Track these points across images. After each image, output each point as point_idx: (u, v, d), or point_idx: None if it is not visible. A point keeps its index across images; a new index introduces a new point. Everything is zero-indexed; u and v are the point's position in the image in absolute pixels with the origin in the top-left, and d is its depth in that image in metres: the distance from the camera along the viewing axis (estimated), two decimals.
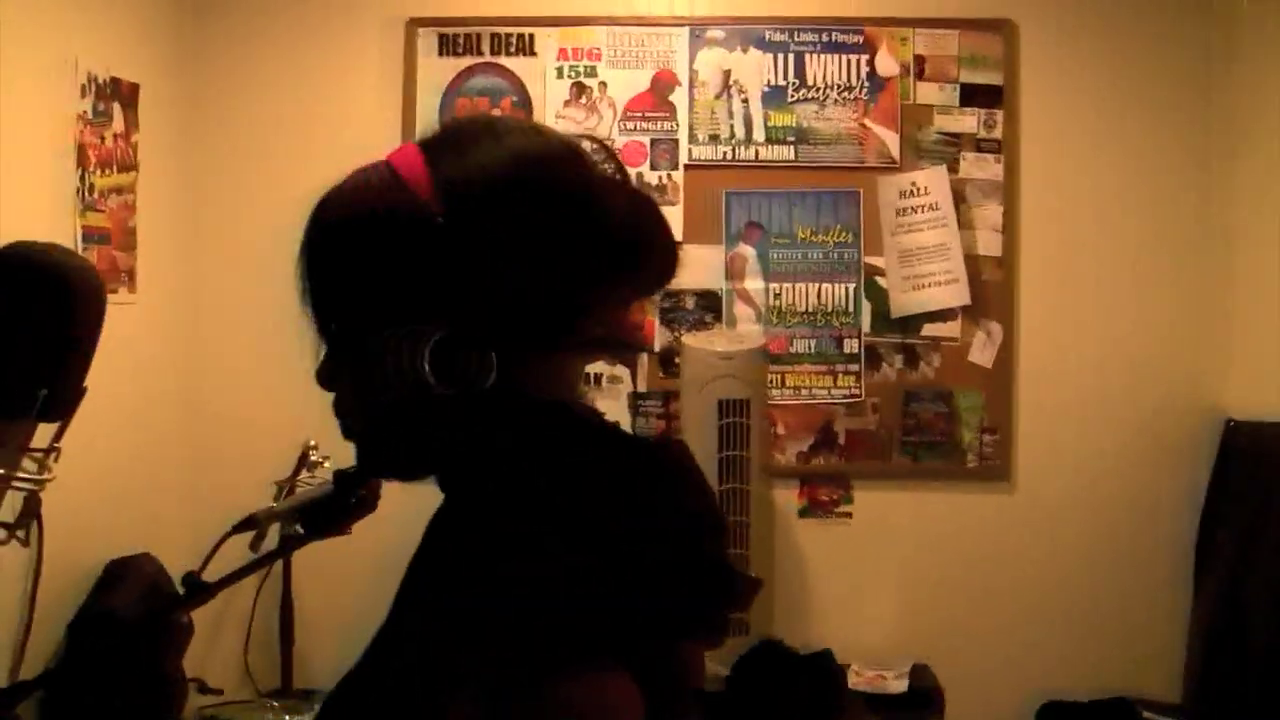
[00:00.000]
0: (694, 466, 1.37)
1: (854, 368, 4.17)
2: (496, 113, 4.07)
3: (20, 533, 1.76)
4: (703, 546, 1.30)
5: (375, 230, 1.30)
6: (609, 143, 1.41)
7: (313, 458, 3.55)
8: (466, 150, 1.32)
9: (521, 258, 1.28)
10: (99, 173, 3.53)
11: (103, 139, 3.56)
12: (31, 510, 1.79)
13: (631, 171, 1.37)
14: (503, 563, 1.18)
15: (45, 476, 1.76)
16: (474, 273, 1.27)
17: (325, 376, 1.35)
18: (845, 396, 4.17)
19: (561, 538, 1.19)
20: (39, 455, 1.77)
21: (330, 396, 1.36)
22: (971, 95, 4.18)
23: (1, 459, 1.66)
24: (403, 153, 1.33)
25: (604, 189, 1.33)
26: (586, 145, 1.36)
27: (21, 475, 1.71)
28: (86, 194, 3.46)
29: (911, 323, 4.16)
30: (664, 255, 1.38)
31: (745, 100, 4.16)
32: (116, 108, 3.63)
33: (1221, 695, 3.75)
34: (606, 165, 1.36)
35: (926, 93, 4.17)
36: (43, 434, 1.85)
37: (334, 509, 1.66)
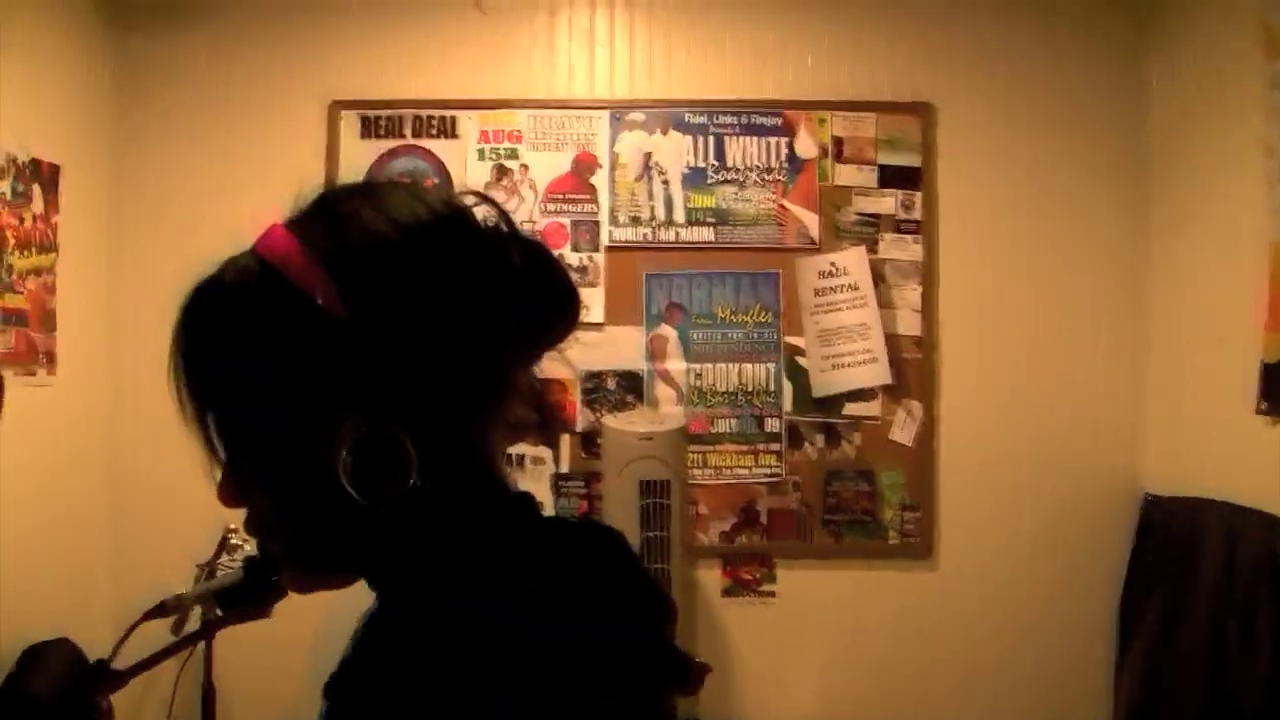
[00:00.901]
0: (633, 552, 1.33)
1: (776, 447, 4.19)
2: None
3: None
4: (654, 632, 1.27)
5: (261, 332, 1.20)
6: (487, 193, 1.36)
7: (232, 540, 3.52)
8: (344, 225, 1.22)
9: (429, 331, 1.19)
10: (17, 254, 3.51)
11: (22, 220, 3.54)
12: None
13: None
14: (446, 657, 1.10)
15: None
16: (376, 350, 1.17)
17: (230, 495, 1.24)
18: (767, 476, 4.19)
19: (503, 628, 1.13)
20: None
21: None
22: (890, 177, 4.24)
23: None
24: (273, 235, 1.24)
25: (496, 243, 1.26)
26: (467, 199, 1.28)
27: None
28: (4, 275, 3.44)
29: (833, 402, 4.19)
30: (568, 301, 1.29)
31: (666, 182, 4.20)
32: (36, 189, 3.62)
33: None
34: (489, 217, 1.28)
35: (845, 174, 4.22)
36: None
37: (249, 594, 1.63)
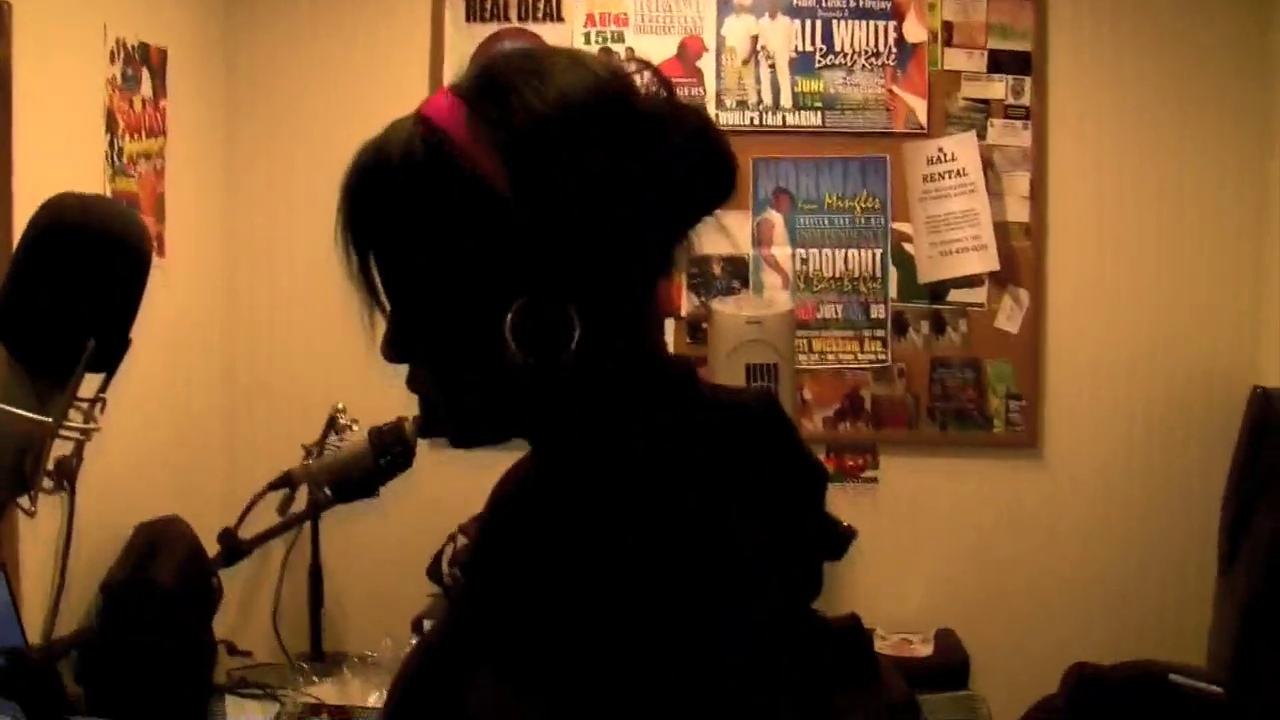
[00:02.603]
0: (790, 421, 1.33)
1: (881, 334, 4.16)
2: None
3: (66, 482, 1.77)
4: (810, 500, 1.28)
5: (428, 207, 1.21)
6: (647, 59, 1.33)
7: (340, 421, 3.55)
8: (511, 98, 1.21)
9: (592, 204, 1.18)
10: (128, 138, 3.54)
11: (131, 104, 3.57)
12: (76, 461, 1.80)
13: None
14: (612, 523, 1.12)
15: (92, 426, 1.77)
16: (544, 230, 1.18)
17: (394, 350, 1.27)
18: (872, 363, 4.17)
19: (668, 498, 1.15)
20: (84, 406, 1.77)
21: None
22: (1000, 62, 4.16)
23: (49, 409, 1.66)
24: (440, 107, 1.23)
25: (658, 114, 1.24)
26: (629, 66, 1.28)
27: (69, 425, 1.72)
28: (116, 159, 3.47)
29: (939, 289, 4.16)
30: (727, 170, 1.27)
31: (773, 66, 4.15)
32: (145, 73, 3.64)
33: (1253, 665, 3.74)
34: (651, 84, 1.27)
35: (954, 59, 4.15)
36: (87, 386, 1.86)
37: (369, 468, 1.64)
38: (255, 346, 4.19)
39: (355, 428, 3.51)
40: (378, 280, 1.25)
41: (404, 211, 1.21)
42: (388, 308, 1.26)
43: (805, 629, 1.28)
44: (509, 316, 1.18)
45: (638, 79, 1.26)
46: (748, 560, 1.17)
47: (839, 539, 1.29)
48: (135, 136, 3.58)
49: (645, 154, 1.21)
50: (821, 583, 1.29)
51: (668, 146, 1.22)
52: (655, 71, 1.28)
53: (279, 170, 4.16)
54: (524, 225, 1.17)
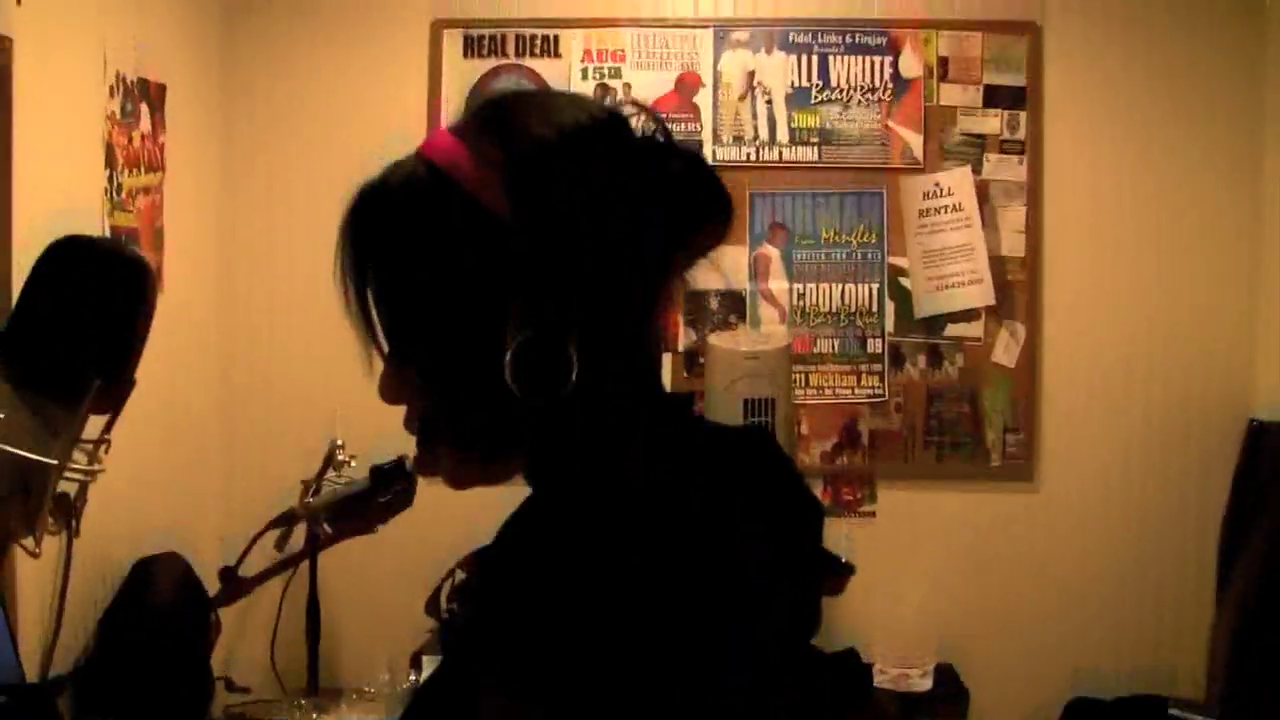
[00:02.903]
0: (786, 455, 1.36)
1: (878, 367, 4.17)
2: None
3: (72, 523, 1.78)
4: (806, 535, 1.29)
5: (430, 235, 1.23)
6: (643, 101, 1.36)
7: (339, 457, 3.56)
8: (512, 125, 1.25)
9: (593, 235, 1.21)
10: (127, 173, 3.55)
11: (130, 139, 3.58)
12: (80, 502, 1.80)
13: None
14: (610, 551, 1.11)
15: (96, 468, 1.77)
16: (544, 256, 1.20)
17: (391, 390, 1.28)
18: (869, 396, 4.17)
19: (666, 524, 1.14)
20: (89, 447, 1.78)
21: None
22: (995, 97, 4.18)
23: (54, 450, 1.67)
24: (440, 141, 1.26)
25: (656, 150, 1.28)
26: (626, 109, 1.30)
27: (74, 466, 1.72)
28: (114, 194, 3.48)
29: (935, 323, 4.17)
30: (724, 208, 1.30)
31: (769, 101, 4.17)
32: (144, 108, 3.65)
33: (1250, 695, 3.74)
34: (647, 125, 1.30)
35: (950, 94, 4.17)
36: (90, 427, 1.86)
37: (371, 505, 1.63)
38: (252, 378, 4.19)
39: (353, 464, 3.53)
40: (376, 319, 1.26)
41: (404, 239, 1.23)
42: (385, 348, 1.27)
43: (805, 652, 1.30)
44: (508, 353, 1.18)
45: (634, 120, 1.29)
46: (753, 580, 1.18)
47: (838, 573, 1.31)
48: (134, 171, 3.59)
49: (641, 183, 1.24)
50: (820, 617, 1.31)
51: (665, 179, 1.25)
52: (650, 112, 1.31)
53: (277, 205, 4.17)
54: (524, 251, 1.19)
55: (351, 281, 1.26)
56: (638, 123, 1.29)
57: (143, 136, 3.65)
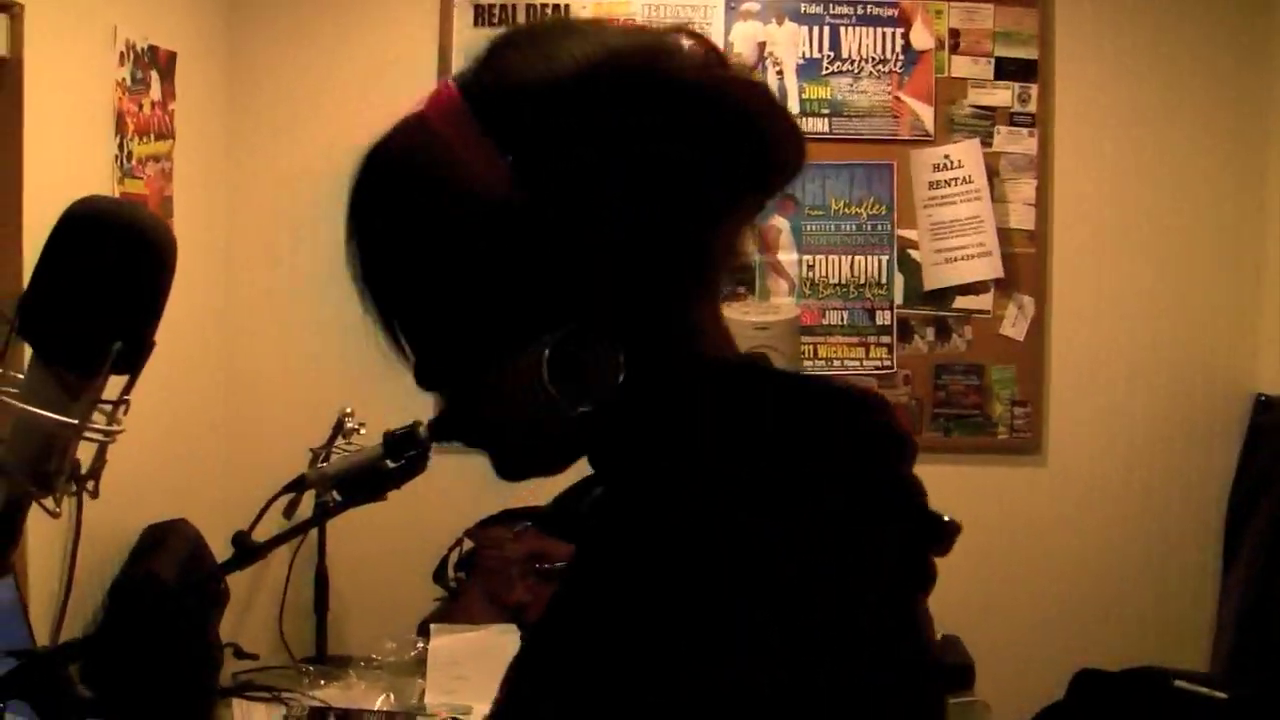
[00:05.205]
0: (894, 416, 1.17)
1: (886, 340, 4.17)
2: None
3: (90, 484, 1.78)
4: (913, 493, 1.13)
5: (432, 202, 1.07)
6: (691, 26, 1.14)
7: (348, 424, 3.57)
8: (506, 77, 1.06)
9: (609, 193, 1.02)
10: (137, 140, 3.55)
11: (140, 106, 3.57)
12: (99, 463, 1.81)
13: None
14: (715, 531, 0.97)
15: (116, 428, 1.77)
16: (567, 241, 1.03)
17: (428, 379, 1.15)
18: (877, 368, 4.17)
19: (763, 498, 0.99)
20: (107, 408, 1.78)
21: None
22: (1006, 69, 4.17)
23: (74, 410, 1.67)
24: (439, 100, 1.09)
25: (705, 80, 1.08)
26: (677, 38, 1.10)
27: (93, 426, 1.73)
28: (125, 161, 3.48)
29: (944, 296, 4.17)
30: (790, 142, 1.12)
31: (780, 72, 4.16)
32: (154, 75, 3.65)
33: (1255, 668, 3.76)
34: (699, 52, 1.10)
35: (961, 66, 4.17)
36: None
37: (382, 473, 1.62)
38: (256, 345, 4.19)
39: (363, 431, 3.53)
40: (396, 323, 1.14)
41: (406, 216, 1.09)
42: (406, 335, 1.15)
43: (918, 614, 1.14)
44: (544, 359, 1.04)
45: (683, 44, 1.10)
46: (864, 550, 1.05)
47: (942, 532, 1.15)
48: (144, 139, 3.59)
49: (676, 129, 1.05)
50: (934, 574, 1.16)
51: (711, 119, 1.06)
52: (703, 40, 1.12)
53: (284, 173, 4.16)
54: (539, 226, 1.03)
55: (357, 253, 1.13)
56: (684, 49, 1.09)
57: (152, 104, 3.64)
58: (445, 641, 3.43)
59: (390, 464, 1.61)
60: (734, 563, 0.97)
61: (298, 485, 2.36)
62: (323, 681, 3.51)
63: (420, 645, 3.49)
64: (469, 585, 3.76)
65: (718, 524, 0.98)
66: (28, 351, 1.72)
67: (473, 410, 1.15)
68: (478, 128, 1.06)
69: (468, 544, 3.87)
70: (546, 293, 1.05)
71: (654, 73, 1.07)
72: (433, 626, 3.53)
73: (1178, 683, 3.43)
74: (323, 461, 3.36)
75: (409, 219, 1.08)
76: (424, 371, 1.15)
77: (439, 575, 3.86)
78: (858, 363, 4.17)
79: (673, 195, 1.05)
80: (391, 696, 3.32)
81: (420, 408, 1.33)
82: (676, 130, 1.05)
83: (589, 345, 1.05)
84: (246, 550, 1.72)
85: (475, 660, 3.32)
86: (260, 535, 1.86)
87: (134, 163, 3.53)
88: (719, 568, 0.97)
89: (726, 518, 0.99)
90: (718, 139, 1.06)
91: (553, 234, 1.04)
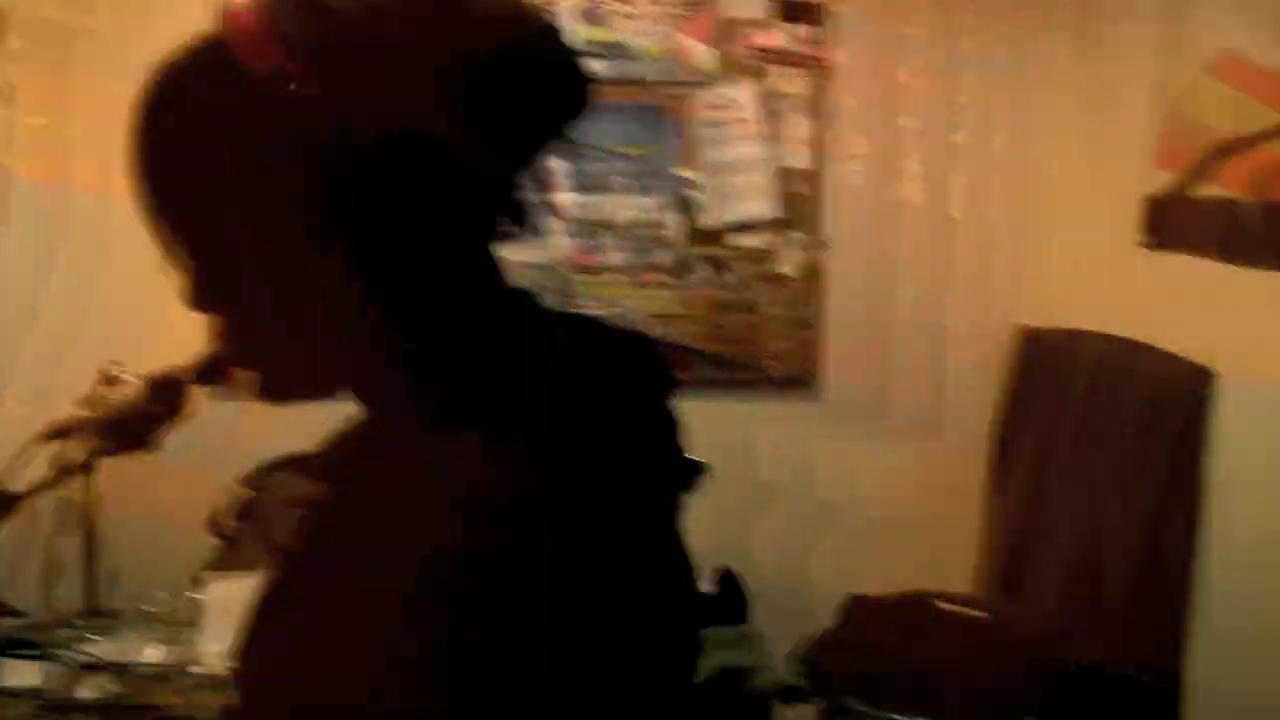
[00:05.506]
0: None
1: (663, 279, 4.20)
2: None
3: None
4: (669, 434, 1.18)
5: (226, 110, 1.05)
6: None
7: (114, 373, 3.46)
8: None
9: (421, 111, 1.05)
10: None
11: None
12: None
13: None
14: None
15: None
16: (362, 154, 1.04)
17: (204, 299, 1.13)
18: (654, 309, 4.18)
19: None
20: None
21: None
22: (786, 10, 4.19)
23: None
24: (231, 17, 1.07)
25: (500, 20, 1.11)
26: None
27: None
28: None
29: (721, 234, 4.20)
30: (579, 85, 1.15)
31: (557, 13, 4.13)
32: None
33: (1020, 590, 3.90)
34: None
35: (741, 6, 4.17)
36: None
37: (143, 417, 1.57)
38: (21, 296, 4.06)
39: (126, 378, 3.42)
40: (181, 218, 1.11)
41: (200, 125, 1.07)
42: (191, 249, 1.12)
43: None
44: (345, 255, 1.06)
45: None
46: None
47: (694, 473, 1.21)
48: None
49: (484, 72, 1.09)
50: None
51: (513, 62, 1.10)
52: None
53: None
54: (331, 139, 1.04)
55: (148, 174, 1.10)
56: None
57: None
58: (221, 589, 3.36)
59: (149, 408, 1.56)
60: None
61: (57, 433, 2.29)
62: (93, 635, 3.42)
63: (195, 595, 3.42)
64: (245, 533, 3.69)
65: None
66: None
67: (265, 318, 1.13)
68: (275, 24, 1.05)
69: (246, 493, 3.79)
70: (336, 202, 1.06)
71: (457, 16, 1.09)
72: (209, 576, 3.47)
73: (939, 603, 3.55)
74: (88, 409, 3.27)
75: (208, 115, 1.08)
76: (213, 285, 1.13)
77: (214, 525, 3.78)
78: (634, 303, 4.17)
79: (463, 113, 1.07)
80: (166, 648, 3.26)
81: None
82: (487, 73, 1.08)
83: (386, 242, 1.08)
84: (3, 502, 1.66)
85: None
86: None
87: None
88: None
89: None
90: (520, 81, 1.11)
91: (342, 140, 1.05)
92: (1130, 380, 3.54)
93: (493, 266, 1.18)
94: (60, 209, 4.01)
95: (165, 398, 1.72)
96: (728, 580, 4.01)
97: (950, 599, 3.60)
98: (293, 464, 3.69)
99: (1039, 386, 4.04)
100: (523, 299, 1.20)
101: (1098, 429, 3.66)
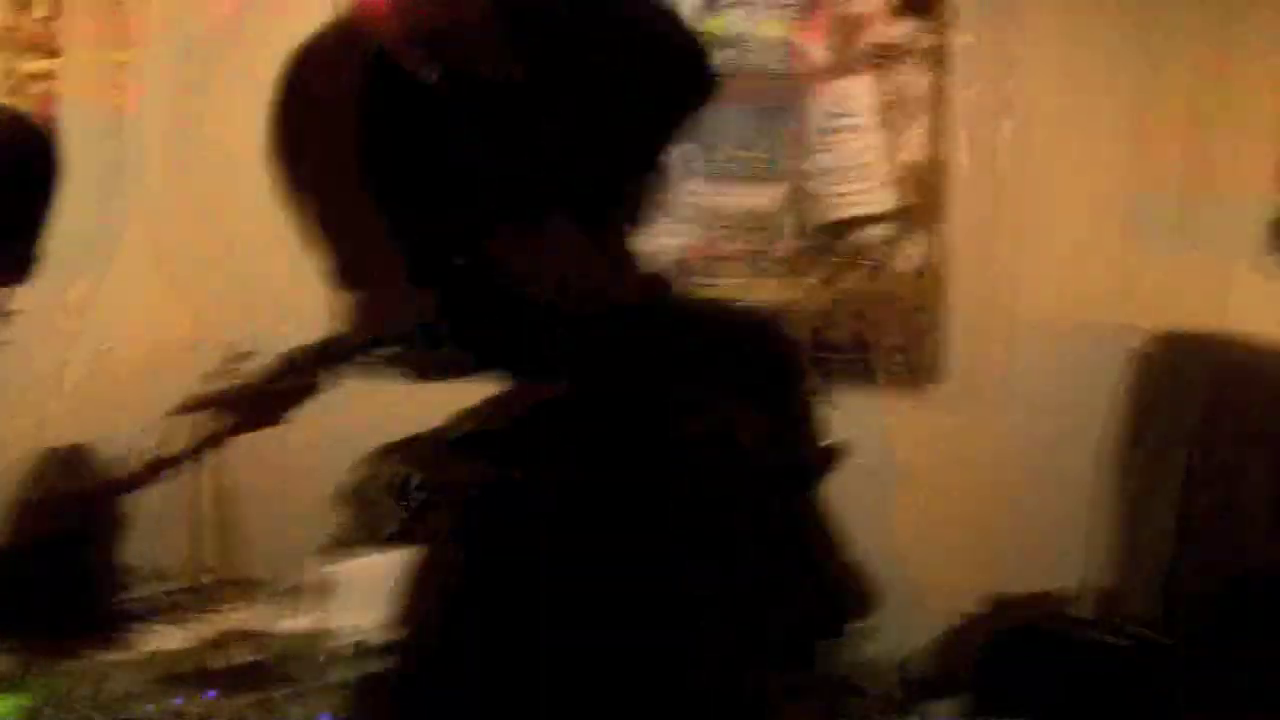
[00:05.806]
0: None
1: (781, 275, 4.22)
2: None
3: None
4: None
5: (354, 112, 1.09)
6: None
7: (243, 350, 3.56)
8: None
9: (554, 106, 1.08)
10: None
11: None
12: None
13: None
14: None
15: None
16: (487, 147, 1.08)
17: (347, 277, 1.19)
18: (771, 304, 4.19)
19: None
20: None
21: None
22: (905, 5, 4.18)
23: None
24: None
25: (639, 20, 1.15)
26: None
27: None
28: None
29: (839, 230, 4.21)
30: (694, 60, 1.20)
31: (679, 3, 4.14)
32: None
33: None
34: None
35: (858, 1, 4.17)
36: None
37: (271, 393, 1.61)
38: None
39: (259, 357, 3.52)
40: (325, 198, 1.16)
41: (338, 109, 1.11)
42: (335, 229, 1.17)
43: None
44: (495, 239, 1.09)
45: None
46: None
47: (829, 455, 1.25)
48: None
49: (617, 43, 1.12)
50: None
51: (633, 36, 1.14)
52: None
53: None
54: (461, 129, 1.08)
55: (288, 155, 1.16)
56: None
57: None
58: (354, 564, 3.44)
59: (276, 385, 1.62)
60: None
61: (188, 407, 2.38)
62: (231, 604, 3.50)
63: (327, 569, 3.50)
64: (378, 510, 3.76)
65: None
66: None
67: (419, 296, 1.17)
68: (403, 24, 1.09)
69: (378, 470, 3.87)
70: (459, 189, 1.11)
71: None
72: (338, 549, 3.55)
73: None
74: (217, 384, 3.37)
75: (333, 113, 1.12)
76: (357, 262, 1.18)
77: (341, 500, 3.85)
78: (752, 294, 4.17)
79: (591, 106, 1.12)
80: (301, 618, 3.33)
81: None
82: (611, 42, 1.13)
83: (536, 226, 1.12)
84: (142, 473, 1.75)
85: (387, 582, 3.33)
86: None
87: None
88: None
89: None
90: (654, 67, 1.15)
91: (471, 131, 1.09)
92: (1262, 386, 3.49)
93: (629, 252, 1.22)
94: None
95: (297, 375, 1.80)
96: (849, 573, 4.01)
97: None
98: (435, 441, 3.76)
99: (1169, 388, 3.98)
100: (660, 283, 1.24)
101: (1228, 432, 3.61)
